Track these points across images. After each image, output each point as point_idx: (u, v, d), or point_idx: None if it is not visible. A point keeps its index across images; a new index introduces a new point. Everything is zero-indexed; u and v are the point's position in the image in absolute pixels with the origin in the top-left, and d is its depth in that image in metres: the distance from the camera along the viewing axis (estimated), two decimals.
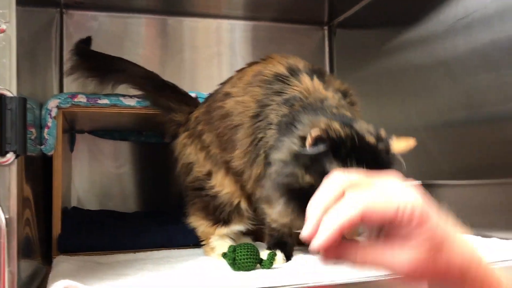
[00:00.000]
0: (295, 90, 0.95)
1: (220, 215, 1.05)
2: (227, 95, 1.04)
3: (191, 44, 1.77)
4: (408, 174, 1.40)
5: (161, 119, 1.19)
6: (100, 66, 1.24)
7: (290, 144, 0.82)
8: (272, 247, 0.99)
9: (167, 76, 1.69)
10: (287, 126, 0.88)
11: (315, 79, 0.97)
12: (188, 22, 1.77)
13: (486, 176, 1.20)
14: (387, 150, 0.80)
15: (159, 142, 1.49)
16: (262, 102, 0.96)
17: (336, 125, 0.78)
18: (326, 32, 1.92)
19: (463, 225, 1.22)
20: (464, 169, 1.27)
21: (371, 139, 0.79)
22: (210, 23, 1.79)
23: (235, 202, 1.04)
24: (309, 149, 0.77)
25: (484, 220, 1.19)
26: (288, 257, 0.99)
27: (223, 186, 1.05)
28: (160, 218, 1.33)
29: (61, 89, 1.60)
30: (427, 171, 1.40)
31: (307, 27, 1.91)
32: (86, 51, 1.29)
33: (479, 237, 1.16)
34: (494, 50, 1.16)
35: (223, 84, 1.12)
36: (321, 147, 0.76)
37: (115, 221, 1.31)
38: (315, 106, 0.90)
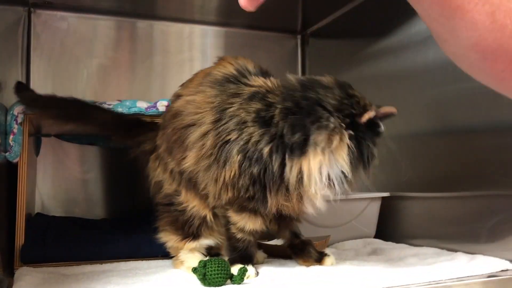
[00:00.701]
0: (252, 87, 0.96)
1: (189, 230, 1.03)
2: (178, 96, 1.05)
3: (162, 48, 1.75)
4: (378, 185, 1.44)
5: (133, 154, 1.17)
6: (58, 114, 1.16)
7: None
8: (237, 260, 0.97)
9: (137, 81, 1.70)
10: (297, 111, 0.90)
11: (267, 78, 1.00)
12: (160, 26, 1.75)
13: (453, 189, 1.22)
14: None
15: (128, 148, 1.46)
16: (220, 107, 0.95)
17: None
18: (299, 41, 1.93)
19: (430, 238, 1.25)
20: (432, 181, 1.30)
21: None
22: (182, 28, 1.78)
23: (203, 214, 1.03)
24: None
25: (451, 232, 1.21)
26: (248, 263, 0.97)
27: (188, 201, 1.03)
28: (127, 226, 1.30)
29: None
30: (396, 183, 1.43)
31: (281, 35, 1.92)
32: (35, 99, 1.18)
33: (445, 251, 1.18)
34: None
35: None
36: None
37: (81, 229, 1.28)
38: (297, 94, 0.92)
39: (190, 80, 1.08)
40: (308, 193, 0.91)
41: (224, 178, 0.94)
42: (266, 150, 0.90)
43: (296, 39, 1.93)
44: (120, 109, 1.17)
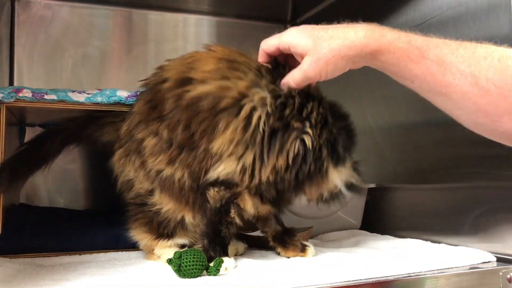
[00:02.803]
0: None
1: (164, 230, 1.02)
2: (187, 80, 0.96)
3: (155, 37, 1.74)
4: (365, 176, 1.43)
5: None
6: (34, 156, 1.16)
7: None
8: (208, 244, 0.95)
9: (128, 71, 1.68)
10: None
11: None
12: (153, 16, 1.74)
13: (438, 180, 1.22)
14: None
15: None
16: (255, 83, 0.94)
17: None
18: None
19: (415, 229, 1.24)
20: (418, 172, 1.29)
21: None
22: (177, 17, 1.77)
23: (179, 217, 1.01)
24: None
25: (435, 224, 1.21)
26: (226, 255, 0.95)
27: (162, 203, 1.01)
28: (111, 217, 1.28)
29: (11, 81, 1.54)
30: (382, 174, 1.42)
31: (270, 25, 1.89)
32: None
33: (429, 243, 1.17)
34: None
35: (150, 80, 1.05)
36: None
37: (61, 220, 1.26)
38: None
39: (189, 64, 0.98)
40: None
41: (275, 165, 0.91)
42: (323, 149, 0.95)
43: (286, 28, 1.90)
44: (99, 98, 1.15)
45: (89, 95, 1.14)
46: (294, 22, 1.89)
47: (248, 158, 0.91)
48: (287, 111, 0.92)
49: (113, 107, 1.16)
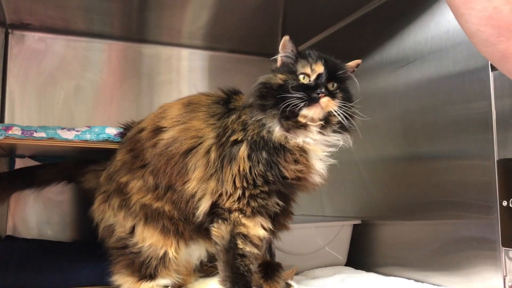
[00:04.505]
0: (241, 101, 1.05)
1: (146, 271, 1.03)
2: (159, 129, 1.05)
3: (149, 70, 1.78)
4: (349, 211, 1.44)
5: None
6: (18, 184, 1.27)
7: None
8: (233, 286, 0.96)
9: (120, 103, 1.70)
10: None
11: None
12: (147, 49, 1.77)
13: (421, 216, 1.23)
14: (342, 62, 1.01)
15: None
16: (221, 122, 1.02)
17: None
18: None
19: (400, 265, 1.25)
20: (402, 207, 1.31)
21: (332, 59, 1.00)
22: (170, 51, 1.81)
23: (161, 253, 1.02)
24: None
25: (419, 261, 1.22)
26: None
27: (144, 239, 1.03)
28: (97, 249, 1.29)
29: (2, 112, 1.56)
30: (367, 209, 1.44)
31: (261, 59, 1.93)
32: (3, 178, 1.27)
33: (412, 282, 1.18)
34: (430, 90, 1.21)
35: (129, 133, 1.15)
36: (289, 52, 0.99)
37: (48, 254, 1.26)
38: None
39: (160, 114, 1.09)
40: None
41: (233, 173, 0.97)
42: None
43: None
44: (88, 136, 1.16)
45: (78, 133, 1.16)
46: None
47: (213, 183, 0.99)
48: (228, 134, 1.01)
49: (102, 144, 1.18)
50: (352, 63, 1.02)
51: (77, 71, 1.67)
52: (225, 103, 1.06)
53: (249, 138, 0.96)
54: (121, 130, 1.20)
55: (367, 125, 1.39)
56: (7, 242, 1.35)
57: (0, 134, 1.09)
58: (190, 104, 1.07)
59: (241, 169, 0.96)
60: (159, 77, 1.79)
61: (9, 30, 1.58)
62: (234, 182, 0.96)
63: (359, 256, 1.42)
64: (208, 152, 0.99)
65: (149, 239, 1.03)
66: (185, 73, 1.83)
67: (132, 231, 1.05)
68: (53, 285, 1.10)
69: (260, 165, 0.95)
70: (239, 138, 0.98)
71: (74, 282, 1.12)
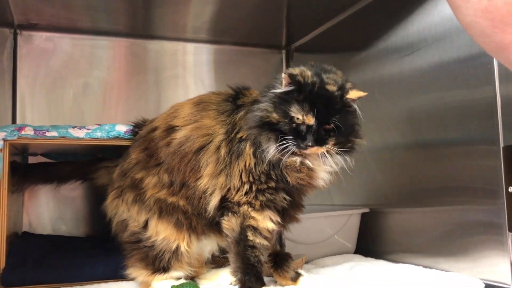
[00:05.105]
0: (250, 97, 1.08)
1: (159, 264, 1.06)
2: (171, 129, 1.09)
3: (155, 66, 1.79)
4: (357, 199, 1.45)
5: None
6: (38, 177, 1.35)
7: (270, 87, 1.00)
8: (244, 276, 0.99)
9: (128, 100, 1.72)
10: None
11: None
12: (153, 45, 1.78)
13: (428, 203, 1.24)
14: (342, 96, 0.95)
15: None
16: (230, 119, 1.05)
17: (307, 73, 0.96)
18: (283, 56, 1.97)
19: (408, 252, 1.27)
20: (409, 194, 1.32)
21: (331, 87, 0.95)
22: (175, 46, 1.82)
23: (173, 246, 1.05)
24: (279, 89, 0.96)
25: (427, 248, 1.24)
26: (262, 284, 1.00)
27: (158, 233, 1.06)
28: (110, 243, 1.32)
29: (14, 112, 1.58)
30: (374, 197, 1.45)
31: (266, 51, 1.95)
32: (20, 167, 1.34)
33: (421, 268, 1.20)
34: (434, 76, 1.22)
35: (136, 142, 1.17)
36: (287, 88, 0.95)
37: (63, 249, 1.30)
38: None
39: (172, 113, 1.12)
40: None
41: (240, 169, 1.00)
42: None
43: (281, 54, 1.97)
44: (98, 133, 1.19)
45: (89, 131, 1.18)
46: (289, 48, 1.94)
47: (222, 178, 1.02)
48: (236, 130, 1.03)
49: (113, 141, 1.21)
50: (354, 96, 0.96)
51: (85, 69, 1.69)
52: (234, 100, 1.09)
53: (252, 137, 0.99)
54: (131, 127, 1.22)
55: (373, 113, 1.41)
56: (24, 239, 1.39)
57: (13, 135, 1.12)
58: (200, 103, 1.10)
59: (247, 164, 0.99)
60: (166, 72, 1.80)
61: (18, 31, 1.60)
62: (240, 176, 1.00)
63: (368, 244, 1.44)
64: (218, 148, 1.03)
65: (162, 233, 1.05)
66: (191, 67, 1.84)
67: (146, 225, 1.08)
68: (70, 280, 1.14)
69: (264, 164, 0.98)
70: (244, 136, 1.01)
71: (90, 277, 1.16)
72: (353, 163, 1.01)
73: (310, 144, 0.92)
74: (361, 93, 0.96)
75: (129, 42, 1.75)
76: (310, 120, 0.93)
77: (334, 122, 0.93)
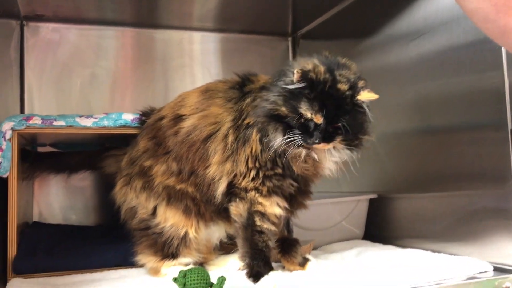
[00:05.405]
0: (257, 84, 1.08)
1: (168, 250, 1.08)
2: (179, 118, 1.09)
3: (162, 55, 1.79)
4: (365, 186, 1.45)
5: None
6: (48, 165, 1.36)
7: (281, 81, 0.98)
8: (261, 269, 0.99)
9: (136, 89, 1.73)
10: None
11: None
12: (159, 35, 1.78)
13: (436, 188, 1.24)
14: (353, 96, 0.94)
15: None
16: (238, 106, 1.05)
17: (320, 69, 0.94)
18: (290, 43, 1.96)
19: (417, 237, 1.27)
20: (417, 180, 1.31)
21: (342, 86, 0.93)
22: (181, 35, 1.81)
23: (182, 233, 1.06)
24: (290, 84, 0.94)
25: (435, 233, 1.23)
26: (270, 269, 1.00)
27: (166, 219, 1.07)
28: (118, 234, 1.33)
29: (22, 103, 1.59)
30: (382, 183, 1.45)
31: (272, 38, 1.94)
32: (30, 155, 1.36)
33: (429, 252, 1.20)
34: (441, 62, 1.21)
35: (143, 130, 1.18)
36: (298, 85, 0.93)
37: (73, 239, 1.31)
38: None
39: (179, 102, 1.12)
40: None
41: (246, 155, 1.00)
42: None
43: (287, 41, 1.96)
44: (105, 122, 1.20)
45: (96, 120, 1.19)
46: (295, 35, 1.93)
47: (229, 164, 1.03)
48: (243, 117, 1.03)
49: (120, 130, 1.21)
50: (364, 98, 0.95)
51: (92, 60, 1.69)
52: (241, 87, 1.09)
53: (259, 125, 0.99)
54: (138, 115, 1.23)
55: (380, 100, 1.40)
56: (35, 228, 1.40)
57: (21, 124, 1.13)
58: (207, 91, 1.11)
59: (253, 150, 1.00)
60: (172, 62, 1.80)
61: (24, 22, 1.61)
62: (247, 162, 1.00)
63: (376, 230, 1.44)
64: (226, 136, 1.03)
65: (171, 219, 1.06)
66: (197, 56, 1.84)
67: (154, 212, 1.09)
68: (80, 267, 1.15)
69: (271, 151, 0.97)
70: (251, 122, 1.00)
71: (99, 264, 1.17)
72: (360, 155, 1.01)
73: (317, 141, 0.92)
74: (372, 96, 0.95)
75: (135, 32, 1.75)
76: (319, 120, 0.92)
77: (342, 121, 0.93)
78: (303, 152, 0.96)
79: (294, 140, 0.93)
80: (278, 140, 0.95)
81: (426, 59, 1.26)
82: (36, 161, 1.33)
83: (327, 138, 0.93)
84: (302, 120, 0.93)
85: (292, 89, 0.94)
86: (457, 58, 1.16)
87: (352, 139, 0.97)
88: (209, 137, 1.05)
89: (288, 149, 0.95)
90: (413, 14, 1.31)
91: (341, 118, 0.93)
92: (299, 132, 0.94)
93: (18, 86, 1.59)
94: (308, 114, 0.92)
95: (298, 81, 0.93)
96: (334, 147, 0.96)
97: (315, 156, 0.97)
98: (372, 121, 0.99)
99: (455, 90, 1.17)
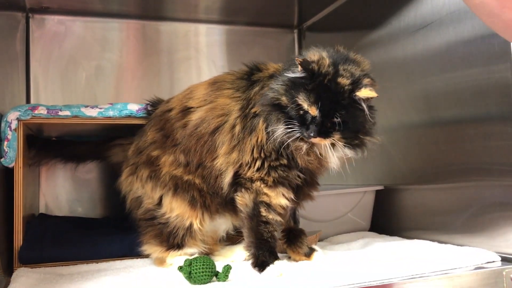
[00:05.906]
0: (266, 72, 1.07)
1: (174, 240, 1.08)
2: (187, 110, 1.09)
3: (168, 47, 1.79)
4: (372, 178, 1.44)
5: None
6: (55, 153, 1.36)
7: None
8: (266, 258, 0.98)
9: (141, 81, 1.73)
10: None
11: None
12: (165, 27, 1.78)
13: (443, 180, 1.23)
14: (352, 91, 0.92)
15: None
16: (245, 94, 1.05)
17: (325, 61, 0.93)
18: (295, 35, 1.95)
19: (423, 229, 1.26)
20: (424, 172, 1.31)
21: (343, 80, 0.92)
22: (187, 27, 1.81)
23: (187, 223, 1.06)
24: (289, 73, 0.94)
25: (442, 224, 1.23)
26: (275, 258, 0.99)
27: (172, 209, 1.07)
28: (125, 224, 1.34)
29: (28, 95, 1.60)
30: (389, 175, 1.44)
31: (278, 30, 1.94)
32: (37, 141, 1.35)
33: (436, 243, 1.19)
34: (449, 54, 1.20)
35: (151, 121, 1.18)
36: (298, 74, 0.93)
37: (79, 230, 1.31)
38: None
39: (188, 94, 1.12)
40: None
41: (252, 144, 1.00)
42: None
43: (293, 33, 1.95)
44: (111, 112, 1.20)
45: (101, 110, 1.19)
46: (301, 27, 1.92)
47: (235, 154, 1.02)
48: (251, 106, 1.03)
49: (125, 120, 1.21)
50: (363, 94, 0.92)
51: (97, 52, 1.69)
52: (249, 76, 1.08)
53: (265, 114, 0.98)
54: (143, 106, 1.23)
55: (388, 92, 1.40)
56: (41, 219, 1.41)
57: (27, 114, 1.13)
58: (215, 83, 1.11)
59: (259, 140, 0.99)
60: (178, 54, 1.80)
61: (30, 15, 1.61)
62: (252, 152, 1.00)
63: (383, 222, 1.44)
64: (233, 126, 1.03)
65: (176, 210, 1.06)
66: (203, 48, 1.83)
67: (160, 202, 1.09)
68: (86, 258, 1.16)
69: (276, 142, 0.96)
70: (258, 111, 1.00)
71: (105, 254, 1.18)
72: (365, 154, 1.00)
73: (312, 134, 0.91)
74: (371, 94, 0.91)
75: (141, 24, 1.75)
76: (314, 112, 0.91)
77: (338, 117, 0.91)
78: (304, 146, 0.95)
79: (293, 132, 0.93)
80: (279, 130, 0.94)
81: (434, 52, 1.25)
82: (43, 149, 1.32)
83: (323, 132, 0.92)
84: (301, 112, 0.93)
85: (293, 78, 0.94)
86: (465, 50, 1.15)
87: (352, 138, 0.95)
88: (216, 129, 1.04)
89: (287, 140, 0.94)
90: (421, 4, 1.29)
91: (337, 112, 0.91)
92: (298, 124, 0.93)
93: (24, 78, 1.59)
94: (305, 105, 0.91)
95: (300, 70, 0.92)
96: (333, 144, 0.94)
97: (317, 150, 0.96)
98: (374, 122, 0.97)
99: (463, 83, 1.16)
